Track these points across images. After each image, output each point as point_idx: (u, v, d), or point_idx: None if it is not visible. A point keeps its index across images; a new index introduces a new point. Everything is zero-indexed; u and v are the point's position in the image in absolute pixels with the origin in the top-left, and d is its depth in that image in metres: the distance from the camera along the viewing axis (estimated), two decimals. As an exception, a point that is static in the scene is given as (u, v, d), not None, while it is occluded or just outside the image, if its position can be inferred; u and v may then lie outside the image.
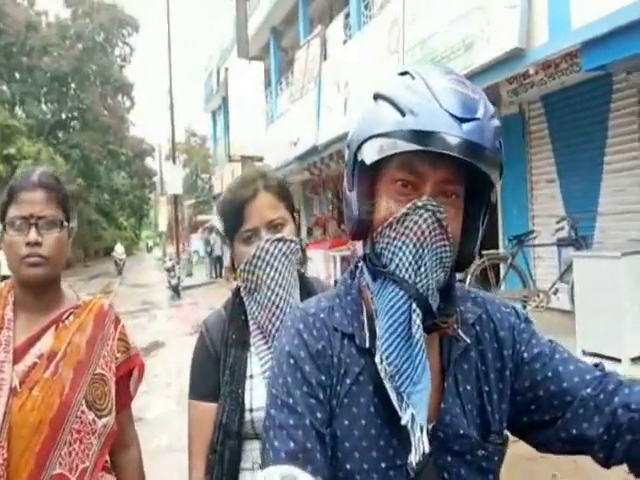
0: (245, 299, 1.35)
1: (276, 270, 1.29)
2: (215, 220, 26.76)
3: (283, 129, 12.68)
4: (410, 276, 0.82)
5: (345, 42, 10.33)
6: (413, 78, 0.83)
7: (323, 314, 0.91)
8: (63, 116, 37.11)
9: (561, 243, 6.33)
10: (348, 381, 0.87)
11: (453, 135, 0.76)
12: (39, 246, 1.29)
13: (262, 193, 1.31)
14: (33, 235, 1.28)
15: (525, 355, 0.92)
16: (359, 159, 0.85)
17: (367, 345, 0.88)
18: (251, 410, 1.28)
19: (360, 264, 0.94)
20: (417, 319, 0.82)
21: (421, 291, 0.82)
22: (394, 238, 0.83)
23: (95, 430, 1.34)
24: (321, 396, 0.85)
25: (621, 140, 6.23)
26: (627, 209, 6.16)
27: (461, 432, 0.87)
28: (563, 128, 6.95)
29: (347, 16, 10.50)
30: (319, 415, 0.84)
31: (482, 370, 0.91)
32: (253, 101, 8.49)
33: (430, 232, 0.81)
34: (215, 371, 1.33)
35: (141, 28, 39.86)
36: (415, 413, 0.81)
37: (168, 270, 16.79)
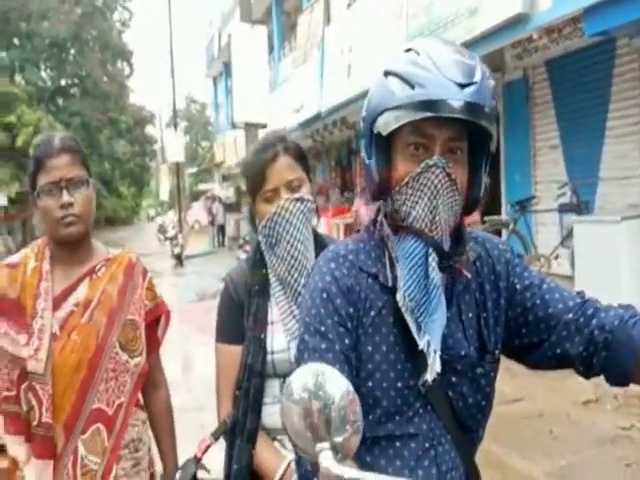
0: (265, 253, 1.48)
1: (295, 227, 1.41)
2: (217, 189, 26.64)
3: (286, 95, 12.61)
4: (426, 225, 0.95)
5: (349, 6, 10.17)
6: (418, 54, 0.94)
7: (351, 256, 1.03)
8: (62, 83, 36.71)
9: (563, 209, 6.37)
10: (372, 314, 1.00)
11: (457, 99, 0.88)
12: (72, 206, 1.40)
13: (282, 156, 1.43)
14: (66, 197, 1.40)
15: (518, 286, 1.06)
16: (375, 131, 0.96)
17: (390, 284, 1.01)
18: (272, 352, 1.43)
19: (380, 218, 1.05)
20: (433, 262, 0.96)
21: (436, 238, 0.96)
22: (411, 194, 0.95)
23: (128, 369, 1.48)
24: (349, 325, 0.98)
25: (623, 105, 6.22)
26: (628, 174, 6.18)
27: (462, 353, 1.01)
28: (567, 93, 6.92)
29: (351, -21, 10.34)
30: (347, 341, 0.98)
31: (481, 299, 1.05)
32: (256, 67, 8.42)
33: (442, 185, 0.94)
34: (239, 317, 1.46)
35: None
36: (430, 339, 0.96)
37: (171, 239, 16.91)
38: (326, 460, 0.72)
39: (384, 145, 0.98)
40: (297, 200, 1.42)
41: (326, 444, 0.73)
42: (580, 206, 6.18)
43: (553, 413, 4.04)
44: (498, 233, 7.14)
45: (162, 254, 19.41)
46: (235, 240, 18.75)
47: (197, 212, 28.18)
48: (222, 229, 20.39)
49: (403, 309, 0.96)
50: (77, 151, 1.45)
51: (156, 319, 1.62)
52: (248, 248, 8.80)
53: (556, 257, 6.46)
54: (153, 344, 1.61)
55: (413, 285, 0.96)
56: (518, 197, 6.98)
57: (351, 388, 0.77)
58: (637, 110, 6.04)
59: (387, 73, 0.96)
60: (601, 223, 5.39)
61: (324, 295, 1.00)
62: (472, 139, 0.99)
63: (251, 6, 9.11)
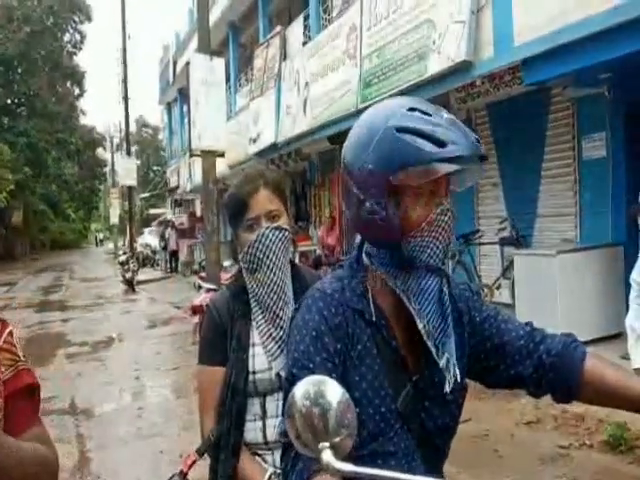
0: (246, 279, 1.58)
1: (274, 253, 1.52)
2: (169, 214, 26.25)
3: (242, 125, 12.82)
4: (440, 260, 1.06)
5: (305, 43, 10.53)
6: (429, 115, 1.02)
7: (337, 294, 1.11)
8: (9, 101, 35.70)
9: (503, 242, 6.84)
10: (359, 347, 1.09)
11: (475, 153, 1.02)
12: None
13: (262, 189, 1.55)
14: None
15: (477, 319, 1.20)
16: (394, 184, 1.02)
17: (373, 319, 1.10)
18: (254, 372, 1.52)
19: (366, 261, 1.14)
20: (447, 291, 1.09)
21: (445, 270, 1.09)
22: (426, 236, 1.05)
23: None
24: (336, 361, 1.07)
25: (557, 149, 6.74)
26: (562, 212, 6.69)
27: (435, 380, 1.12)
28: (506, 136, 7.41)
29: (306, 18, 10.72)
30: (333, 376, 1.02)
31: None
32: (214, 97, 8.62)
33: (452, 225, 1.07)
34: (222, 340, 1.55)
35: (94, 16, 38.70)
36: (450, 357, 1.08)
37: (122, 264, 16.53)
38: (327, 457, 0.82)
39: (394, 196, 1.04)
40: (276, 229, 1.52)
41: (327, 444, 0.82)
42: (519, 240, 6.64)
43: (498, 433, 4.30)
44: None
45: (112, 279, 19.02)
46: (188, 266, 18.63)
47: (149, 237, 27.57)
48: (174, 255, 20.23)
49: (425, 337, 1.06)
50: None
51: (22, 389, 1.08)
52: (204, 274, 8.88)
53: (498, 287, 6.87)
54: (24, 422, 1.07)
55: (432, 314, 1.07)
56: (463, 230, 7.37)
57: (347, 396, 0.84)
58: (570, 153, 6.59)
59: (400, 130, 1.01)
60: (538, 256, 5.84)
61: (313, 333, 1.07)
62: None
63: (209, 39, 9.32)
